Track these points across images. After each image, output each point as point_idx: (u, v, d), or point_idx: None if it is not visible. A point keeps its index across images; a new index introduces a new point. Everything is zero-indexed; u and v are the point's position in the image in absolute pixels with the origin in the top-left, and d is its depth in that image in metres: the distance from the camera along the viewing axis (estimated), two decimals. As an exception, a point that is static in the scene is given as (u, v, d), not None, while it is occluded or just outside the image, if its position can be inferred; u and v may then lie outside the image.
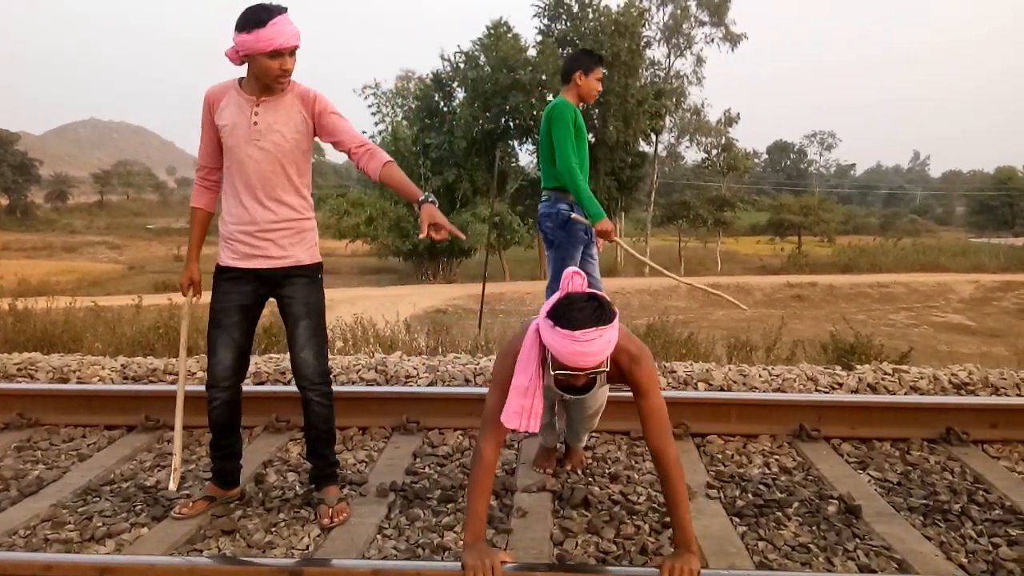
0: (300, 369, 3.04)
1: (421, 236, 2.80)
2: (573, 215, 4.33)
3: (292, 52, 2.77)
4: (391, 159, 2.95)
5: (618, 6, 30.37)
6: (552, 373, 2.38)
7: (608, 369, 2.37)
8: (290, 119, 2.88)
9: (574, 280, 2.39)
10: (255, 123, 2.85)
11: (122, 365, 4.96)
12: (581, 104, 4.39)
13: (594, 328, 2.23)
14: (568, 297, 2.34)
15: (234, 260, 2.97)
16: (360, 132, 3.01)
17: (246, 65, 2.83)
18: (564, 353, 2.26)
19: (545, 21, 30.96)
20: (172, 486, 3.13)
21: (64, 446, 3.92)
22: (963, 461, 3.69)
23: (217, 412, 3.07)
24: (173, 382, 4.65)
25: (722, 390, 4.50)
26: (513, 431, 2.48)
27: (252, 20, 2.68)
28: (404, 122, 33.81)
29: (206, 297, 3.13)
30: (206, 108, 2.94)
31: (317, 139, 3.03)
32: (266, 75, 2.77)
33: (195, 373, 4.78)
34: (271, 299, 3.08)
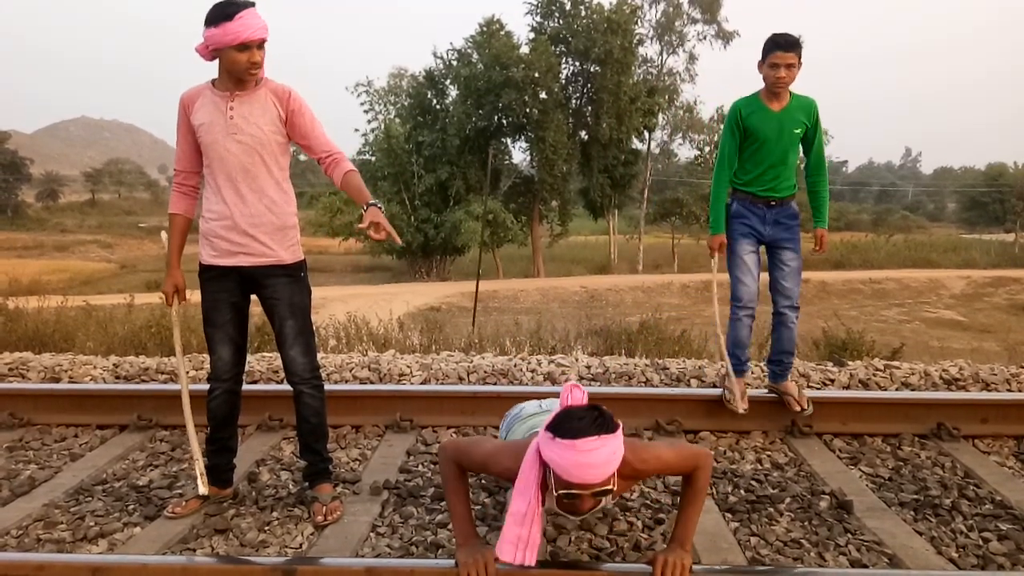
0: (290, 366, 3.07)
1: (359, 226, 2.89)
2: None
3: (260, 45, 2.80)
4: (354, 168, 3.01)
5: (611, 4, 30.39)
6: (555, 495, 2.21)
7: (615, 488, 2.22)
8: (265, 112, 2.90)
9: (573, 394, 2.30)
10: (231, 117, 2.87)
11: (114, 364, 4.95)
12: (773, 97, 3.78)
13: (596, 436, 2.10)
14: (567, 410, 2.21)
15: (215, 258, 2.97)
16: (329, 139, 3.03)
17: (217, 63, 2.85)
18: (565, 466, 2.11)
19: (538, 18, 30.94)
20: (203, 489, 3.12)
21: (56, 446, 3.91)
22: (954, 456, 3.71)
23: (217, 403, 3.10)
24: (166, 381, 4.64)
25: (714, 387, 4.51)
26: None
27: (219, 14, 2.72)
28: (397, 120, 33.76)
29: (192, 297, 3.14)
30: (181, 111, 2.95)
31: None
32: (236, 68, 2.80)
33: (188, 372, 4.77)
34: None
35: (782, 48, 3.64)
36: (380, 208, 2.89)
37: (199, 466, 3.14)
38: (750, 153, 3.87)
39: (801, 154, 3.97)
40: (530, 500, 2.26)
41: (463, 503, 2.43)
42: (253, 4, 2.79)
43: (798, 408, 3.86)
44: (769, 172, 3.85)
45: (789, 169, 3.86)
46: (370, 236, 2.85)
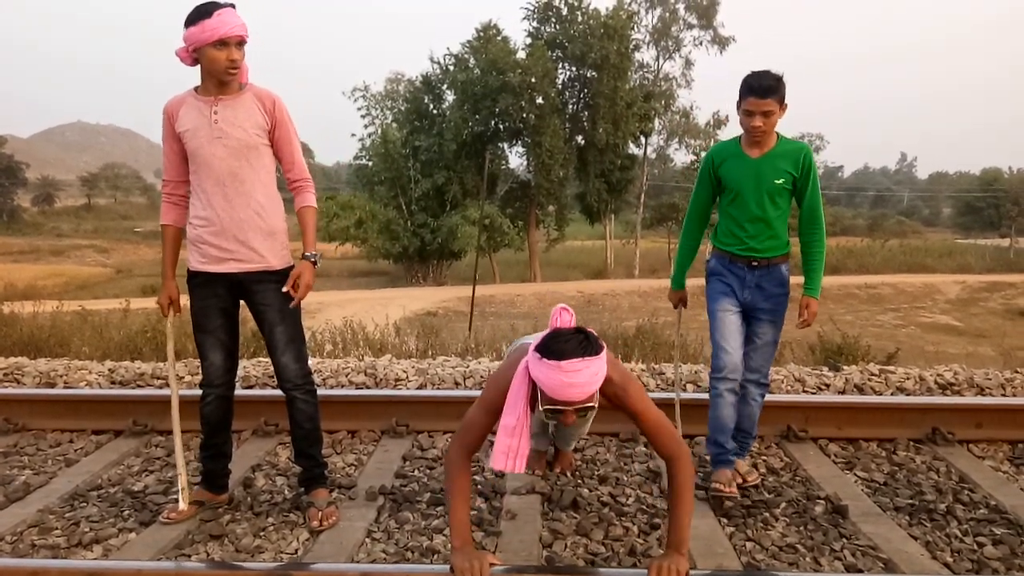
0: (282, 373, 3.06)
1: (284, 289, 2.92)
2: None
3: (239, 44, 2.81)
4: (311, 205, 3.04)
5: (607, 9, 30.49)
6: (541, 409, 2.35)
7: (596, 406, 2.34)
8: (251, 116, 2.90)
9: (562, 316, 2.41)
10: (215, 121, 2.87)
11: (109, 369, 4.94)
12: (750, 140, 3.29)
13: (581, 358, 2.21)
14: (555, 331, 2.34)
15: (203, 264, 2.97)
16: (303, 163, 3.05)
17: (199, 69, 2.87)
18: (551, 385, 2.24)
19: (534, 24, 31.01)
20: (183, 504, 3.12)
21: (51, 451, 3.90)
22: (949, 461, 3.72)
23: (210, 408, 3.09)
24: (161, 386, 4.63)
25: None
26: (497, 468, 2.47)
27: (198, 13, 2.76)
28: (394, 124, 33.77)
29: (186, 303, 3.14)
30: (166, 120, 2.95)
31: None
32: (215, 68, 2.80)
33: (183, 378, 4.77)
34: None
35: (756, 94, 3.11)
36: (315, 262, 2.95)
37: (182, 480, 3.15)
38: (726, 205, 3.37)
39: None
40: (519, 414, 2.42)
41: (464, 506, 2.44)
42: (233, 5, 2.81)
43: (737, 484, 3.34)
44: (748, 227, 3.29)
45: (773, 225, 3.28)
46: (286, 289, 2.90)
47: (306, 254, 2.95)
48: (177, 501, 3.22)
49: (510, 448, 2.43)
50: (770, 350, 3.43)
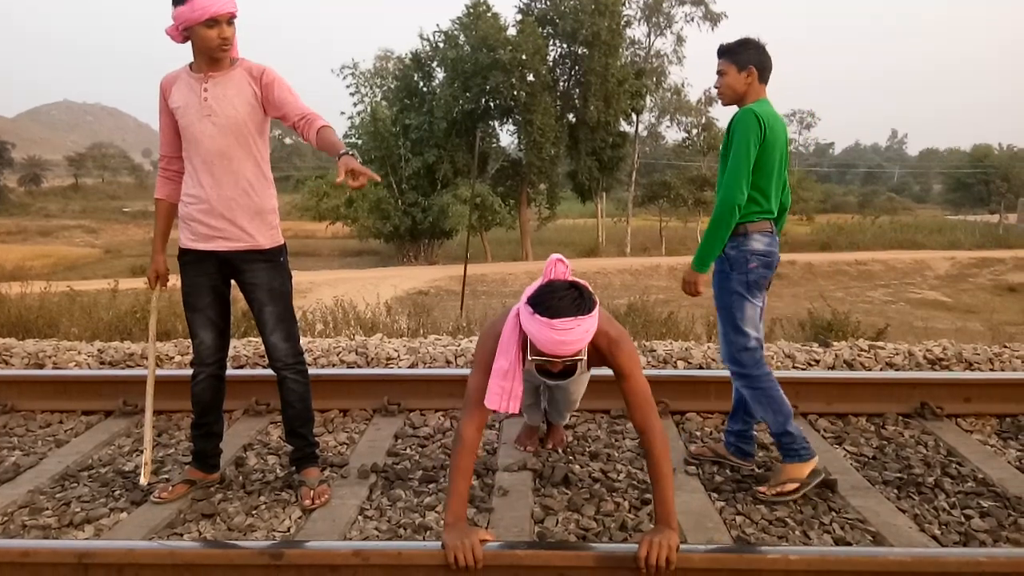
0: (272, 352, 3.05)
1: (338, 180, 2.69)
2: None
3: (229, 21, 2.77)
4: (328, 124, 2.86)
5: (598, -16, 30.16)
6: (530, 358, 2.39)
7: (585, 358, 2.37)
8: (241, 92, 2.86)
9: (557, 267, 2.40)
10: (205, 99, 2.84)
11: (99, 350, 4.91)
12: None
13: (573, 317, 2.23)
14: (550, 284, 2.34)
15: (193, 242, 2.95)
16: (304, 104, 2.93)
17: (191, 46, 2.83)
18: (542, 340, 2.27)
19: (525, 0, 30.69)
20: (143, 480, 3.15)
21: (41, 432, 3.88)
22: (937, 435, 3.75)
23: (201, 387, 3.08)
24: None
25: (701, 368, 4.53)
26: (495, 411, 2.49)
27: None
28: (383, 102, 33.49)
29: (175, 282, 3.13)
30: (160, 96, 2.94)
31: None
32: (207, 46, 2.77)
33: (173, 358, 4.75)
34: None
35: (718, 53, 3.16)
36: (354, 156, 2.74)
37: (146, 455, 3.16)
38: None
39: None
40: (511, 359, 2.45)
41: (465, 482, 2.44)
42: None
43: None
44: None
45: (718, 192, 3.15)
46: (349, 185, 2.70)
47: (343, 152, 2.71)
48: (168, 480, 3.22)
49: (503, 389, 2.46)
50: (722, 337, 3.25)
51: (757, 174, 3.07)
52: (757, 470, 3.36)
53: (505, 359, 2.46)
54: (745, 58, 3.12)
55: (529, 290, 2.38)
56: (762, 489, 3.13)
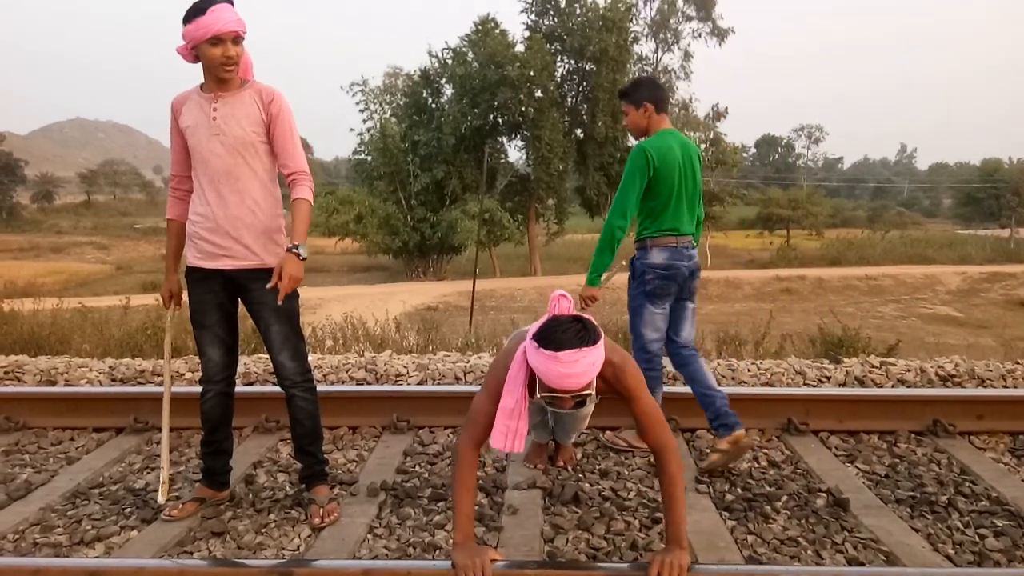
0: (279, 371, 3.06)
1: (269, 285, 2.80)
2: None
3: (235, 40, 2.80)
4: (304, 197, 2.90)
5: (605, 1, 30.34)
6: (539, 396, 2.37)
7: (594, 391, 2.35)
8: (248, 113, 2.89)
9: (560, 303, 2.41)
10: (214, 118, 2.87)
11: (110, 367, 4.94)
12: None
13: (578, 349, 2.23)
14: (554, 319, 2.35)
15: (200, 260, 2.97)
16: (302, 156, 2.97)
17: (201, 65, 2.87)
18: (549, 375, 2.26)
19: (533, 17, 30.92)
20: (161, 498, 3.15)
21: (52, 449, 3.90)
22: (950, 453, 3.72)
23: (210, 405, 3.09)
24: (161, 384, 4.63)
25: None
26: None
27: (194, 10, 2.76)
28: (392, 119, 33.68)
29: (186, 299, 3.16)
30: (172, 116, 2.98)
31: None
32: (212, 64, 2.81)
33: (184, 375, 4.77)
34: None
35: (618, 96, 3.58)
36: (299, 255, 2.81)
37: (164, 473, 3.17)
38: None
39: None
40: (518, 397, 2.46)
41: (468, 501, 2.43)
42: (229, 1, 2.81)
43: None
44: None
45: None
46: (277, 285, 2.79)
47: (290, 246, 2.83)
48: (179, 498, 3.23)
49: (509, 429, 2.47)
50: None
51: (651, 198, 3.60)
52: (768, 487, 3.34)
53: (511, 397, 2.46)
54: (638, 96, 3.62)
55: (534, 327, 2.38)
56: (615, 435, 3.74)
